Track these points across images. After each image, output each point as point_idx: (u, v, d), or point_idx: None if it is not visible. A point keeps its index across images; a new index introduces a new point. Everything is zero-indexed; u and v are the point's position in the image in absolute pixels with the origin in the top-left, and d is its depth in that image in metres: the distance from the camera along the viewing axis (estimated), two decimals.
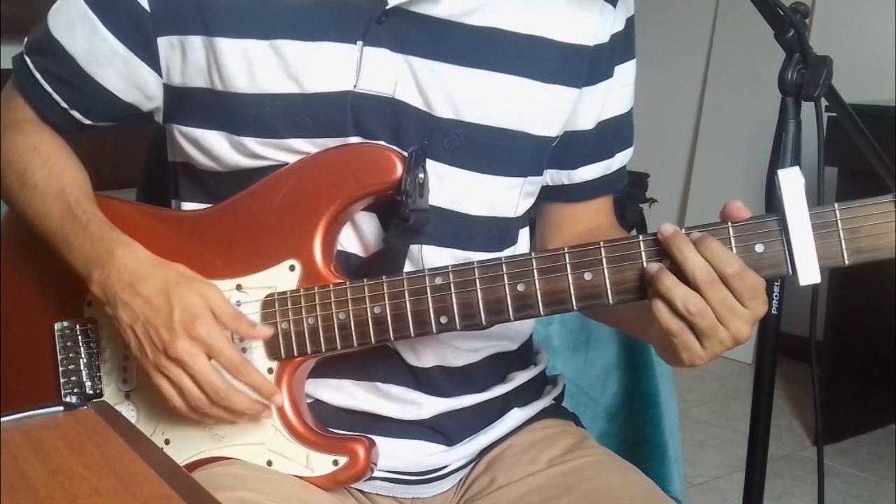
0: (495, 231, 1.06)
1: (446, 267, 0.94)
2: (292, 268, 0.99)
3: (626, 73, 1.09)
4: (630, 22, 1.08)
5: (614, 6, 1.05)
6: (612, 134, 1.11)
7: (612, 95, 1.09)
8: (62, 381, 1.07)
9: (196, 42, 0.99)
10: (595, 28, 1.04)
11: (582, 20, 1.04)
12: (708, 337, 0.86)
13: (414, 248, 1.00)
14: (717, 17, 3.83)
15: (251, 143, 0.99)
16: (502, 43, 1.01)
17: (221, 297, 0.97)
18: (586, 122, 1.08)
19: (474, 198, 1.03)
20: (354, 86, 0.98)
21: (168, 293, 0.95)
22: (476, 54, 1.00)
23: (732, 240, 0.87)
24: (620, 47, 1.07)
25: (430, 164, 0.99)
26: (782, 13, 1.03)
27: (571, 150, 1.08)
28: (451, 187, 1.01)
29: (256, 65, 0.98)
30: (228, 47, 0.98)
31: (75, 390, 1.07)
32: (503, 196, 1.05)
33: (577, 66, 1.04)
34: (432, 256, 1.02)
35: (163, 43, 1.00)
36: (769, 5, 1.03)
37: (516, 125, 1.02)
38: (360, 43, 0.97)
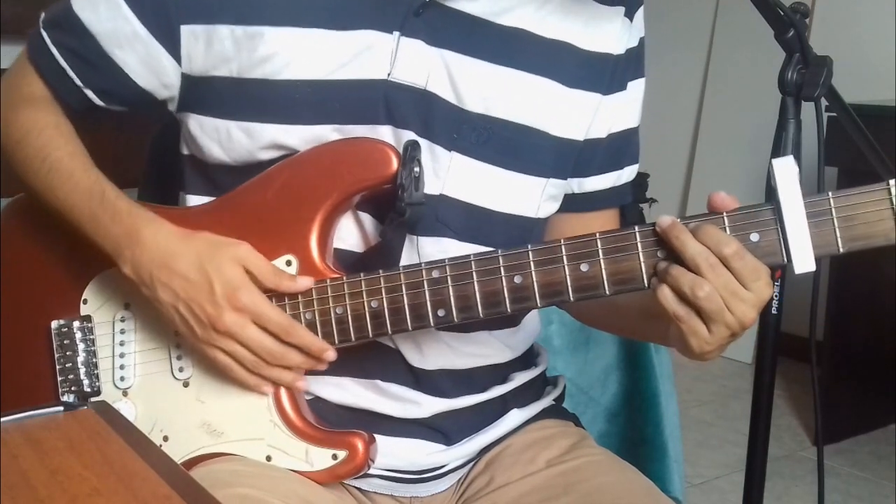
0: (516, 230, 1.06)
1: (443, 260, 0.94)
2: (289, 263, 0.99)
3: (637, 89, 1.11)
4: (642, 41, 1.10)
5: (631, 21, 1.07)
6: (623, 146, 1.12)
7: (625, 109, 1.10)
8: (59, 379, 1.07)
9: (224, 31, 0.99)
10: (615, 39, 1.06)
11: (604, 30, 1.05)
12: (714, 321, 0.87)
13: (411, 239, 1.00)
14: (717, 17, 3.83)
15: (275, 130, 0.99)
16: (530, 45, 1.02)
17: (256, 256, 0.97)
18: (600, 132, 1.08)
19: (497, 193, 1.03)
20: (388, 74, 0.98)
21: (204, 267, 0.95)
22: (506, 53, 1.01)
23: (727, 229, 0.88)
24: (634, 63, 1.09)
25: (458, 158, 1.00)
26: (782, 13, 1.03)
27: (584, 157, 1.09)
28: (476, 181, 1.02)
29: (288, 52, 0.98)
30: (260, 35, 0.98)
31: (73, 388, 1.06)
32: (525, 194, 1.05)
33: (600, 73, 1.06)
34: (453, 250, 1.01)
35: (186, 31, 1.00)
36: (769, 5, 1.03)
37: (542, 125, 1.03)
38: (396, 33, 0.98)
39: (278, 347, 0.96)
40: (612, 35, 1.06)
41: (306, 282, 0.97)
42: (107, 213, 1.00)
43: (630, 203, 1.20)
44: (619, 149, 1.11)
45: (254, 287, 0.96)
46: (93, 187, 1.01)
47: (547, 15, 1.03)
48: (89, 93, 1.06)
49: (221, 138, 1.02)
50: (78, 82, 1.05)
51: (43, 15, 1.07)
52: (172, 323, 0.99)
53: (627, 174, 1.14)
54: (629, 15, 1.07)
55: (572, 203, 1.12)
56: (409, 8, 0.98)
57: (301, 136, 0.99)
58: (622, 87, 1.08)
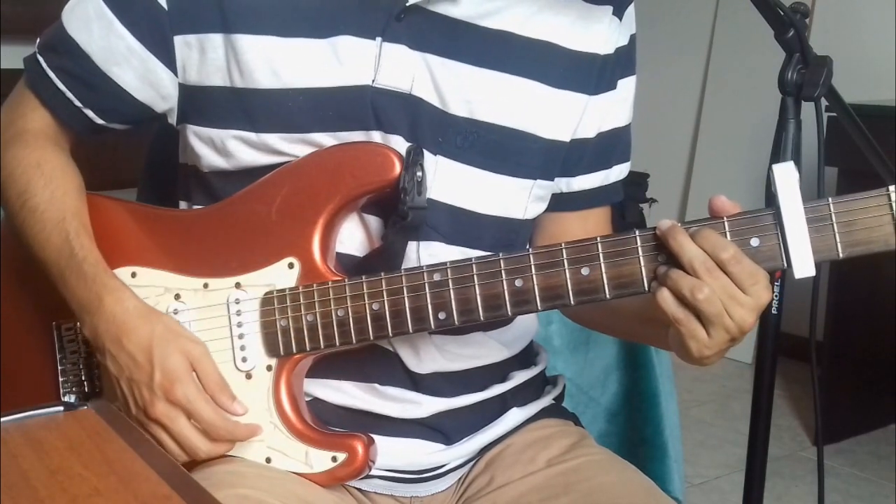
0: (504, 232, 1.06)
1: (444, 263, 0.94)
2: (291, 265, 0.99)
3: (627, 87, 1.11)
4: (633, 39, 1.10)
5: (620, 20, 1.07)
6: (612, 145, 1.12)
7: (614, 108, 1.10)
8: (61, 379, 1.07)
9: (216, 40, 0.99)
10: (603, 39, 1.06)
11: (591, 30, 1.05)
12: (714, 325, 0.87)
13: (413, 246, 1.01)
14: (717, 17, 3.83)
15: (273, 139, 1.00)
16: (516, 47, 1.02)
17: (207, 359, 0.98)
18: (588, 131, 1.08)
19: (484, 196, 1.04)
20: (373, 80, 0.98)
21: (151, 352, 0.96)
22: (491, 56, 1.01)
23: (728, 234, 0.88)
24: (624, 61, 1.09)
25: (443, 162, 1.00)
26: (782, 13, 1.03)
27: (571, 157, 1.09)
28: (463, 185, 1.02)
29: (279, 61, 0.98)
30: (250, 44, 0.98)
31: (74, 389, 1.07)
32: (512, 197, 1.06)
33: (587, 73, 1.06)
34: (443, 254, 1.02)
35: (179, 42, 1.00)
36: (769, 5, 1.03)
37: (527, 127, 1.03)
38: (379, 39, 0.98)
39: (205, 447, 0.97)
40: (599, 35, 1.06)
41: (241, 409, 0.98)
42: (73, 274, 1.00)
43: (630, 203, 1.20)
44: (607, 147, 1.11)
45: (193, 383, 0.96)
46: (62, 245, 1.01)
47: (532, 16, 1.03)
48: (89, 112, 1.06)
49: (218, 147, 1.02)
50: (77, 103, 1.05)
51: (38, 40, 1.07)
52: (117, 394, 0.99)
53: (617, 173, 1.14)
54: (618, 14, 1.07)
55: (561, 202, 1.12)
56: (390, 13, 0.98)
57: (298, 143, 1.00)
58: (612, 87, 1.08)
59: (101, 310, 0.98)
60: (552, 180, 1.09)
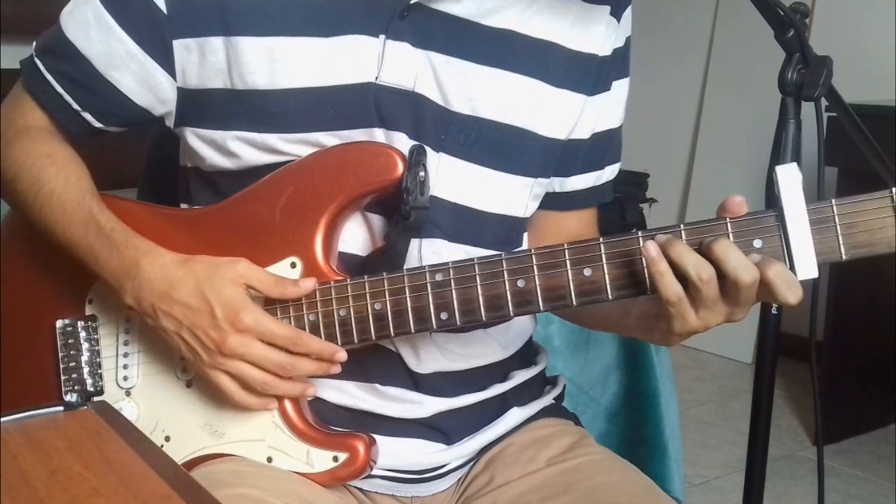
0: (505, 230, 1.07)
1: (447, 263, 0.94)
2: (293, 265, 0.99)
3: (621, 89, 1.11)
4: (629, 41, 1.10)
5: (618, 21, 1.08)
6: (605, 146, 1.13)
7: (608, 109, 1.10)
8: (63, 378, 1.07)
9: (217, 43, 0.99)
10: (602, 40, 1.06)
11: (590, 30, 1.06)
12: (707, 307, 0.87)
13: (414, 243, 1.01)
14: (717, 18, 3.83)
15: (274, 139, 1.00)
16: (517, 45, 1.02)
17: (255, 270, 0.97)
18: (583, 132, 1.09)
19: (487, 194, 1.04)
20: (376, 78, 0.98)
21: (204, 292, 0.95)
22: (493, 54, 1.01)
23: (731, 235, 0.88)
24: (619, 63, 1.10)
25: (446, 159, 1.01)
26: (782, 13, 1.03)
27: (566, 157, 1.09)
28: (465, 183, 1.02)
29: (280, 61, 0.98)
30: (252, 46, 0.98)
31: (76, 388, 1.07)
32: (514, 195, 1.06)
33: (586, 73, 1.06)
34: (445, 252, 1.02)
35: (178, 46, 1.00)
36: (769, 5, 1.03)
37: (528, 125, 1.04)
38: (382, 36, 0.98)
39: (288, 359, 0.96)
40: (598, 35, 1.06)
41: (310, 283, 0.97)
42: (103, 246, 1.00)
43: (629, 203, 1.21)
44: (601, 148, 1.12)
45: (255, 306, 0.96)
46: (87, 221, 1.01)
47: (533, 15, 1.03)
48: (87, 116, 1.06)
49: (221, 148, 1.02)
50: (75, 107, 1.05)
51: (35, 43, 1.07)
52: (178, 350, 0.99)
53: (608, 173, 1.15)
54: (616, 14, 1.07)
55: (552, 201, 1.13)
56: (393, 11, 0.99)
57: (300, 143, 1.00)
58: (607, 88, 1.09)
59: (140, 272, 0.98)
60: (549, 178, 1.09)
